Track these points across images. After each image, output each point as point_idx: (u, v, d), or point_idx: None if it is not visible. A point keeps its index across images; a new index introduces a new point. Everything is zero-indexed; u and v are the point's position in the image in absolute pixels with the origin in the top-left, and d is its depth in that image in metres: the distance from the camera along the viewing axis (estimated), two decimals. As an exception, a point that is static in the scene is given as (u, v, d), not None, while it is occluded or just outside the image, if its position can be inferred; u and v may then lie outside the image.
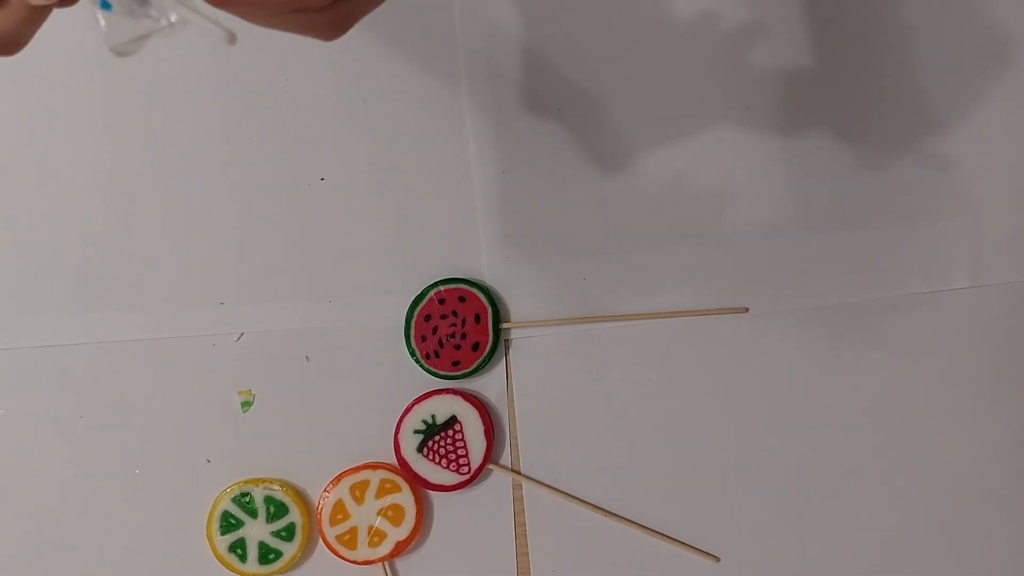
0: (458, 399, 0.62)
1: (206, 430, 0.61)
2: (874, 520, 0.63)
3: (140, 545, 0.61)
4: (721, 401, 0.63)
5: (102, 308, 0.61)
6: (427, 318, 0.61)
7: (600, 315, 0.63)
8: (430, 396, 0.62)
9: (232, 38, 0.26)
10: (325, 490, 0.61)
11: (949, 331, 0.64)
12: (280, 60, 0.61)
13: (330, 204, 0.62)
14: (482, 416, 0.62)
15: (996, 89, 0.64)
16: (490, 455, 0.62)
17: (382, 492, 0.61)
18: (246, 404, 0.62)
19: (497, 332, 0.62)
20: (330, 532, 0.61)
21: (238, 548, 0.61)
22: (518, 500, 0.63)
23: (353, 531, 0.61)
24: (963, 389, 0.64)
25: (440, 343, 0.61)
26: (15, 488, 0.61)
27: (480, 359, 0.61)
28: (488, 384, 0.62)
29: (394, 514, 0.61)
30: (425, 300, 0.61)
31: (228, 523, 0.61)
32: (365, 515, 0.61)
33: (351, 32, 0.36)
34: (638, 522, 0.62)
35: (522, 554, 0.62)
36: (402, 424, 0.61)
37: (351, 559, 0.61)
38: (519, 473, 0.62)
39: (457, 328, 0.61)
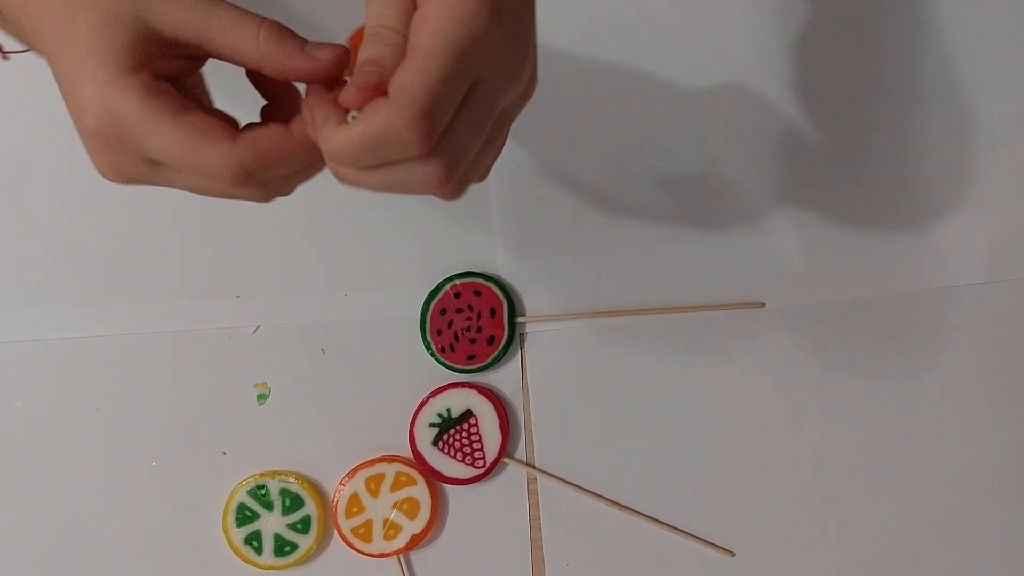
0: (473, 393, 0.62)
1: (222, 423, 0.62)
2: (889, 515, 0.63)
3: (156, 537, 0.62)
4: (736, 396, 0.63)
5: (119, 301, 0.61)
6: (443, 312, 0.61)
7: (615, 309, 0.62)
8: (445, 389, 0.62)
9: None
10: (340, 483, 0.61)
11: (966, 326, 0.64)
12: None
13: (346, 198, 0.61)
14: (497, 410, 0.62)
15: (1013, 84, 0.63)
16: (505, 449, 0.62)
17: (397, 485, 0.61)
18: (262, 397, 0.62)
19: (512, 326, 0.62)
20: (345, 525, 0.61)
21: (254, 540, 0.61)
22: (533, 494, 0.63)
23: (368, 524, 0.61)
24: (979, 384, 0.64)
25: (455, 337, 0.61)
26: (32, 479, 0.61)
27: (495, 353, 0.61)
28: (503, 378, 0.62)
29: (409, 507, 0.61)
30: (441, 294, 0.61)
31: (244, 515, 0.61)
32: (380, 508, 0.61)
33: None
34: (653, 516, 0.63)
35: (536, 548, 0.63)
36: (417, 417, 0.62)
37: (366, 552, 0.61)
38: (534, 467, 0.62)
39: (472, 322, 0.61)
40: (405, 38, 0.34)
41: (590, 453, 0.63)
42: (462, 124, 0.35)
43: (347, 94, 0.34)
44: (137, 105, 0.35)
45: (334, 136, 0.34)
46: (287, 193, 0.39)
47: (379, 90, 0.34)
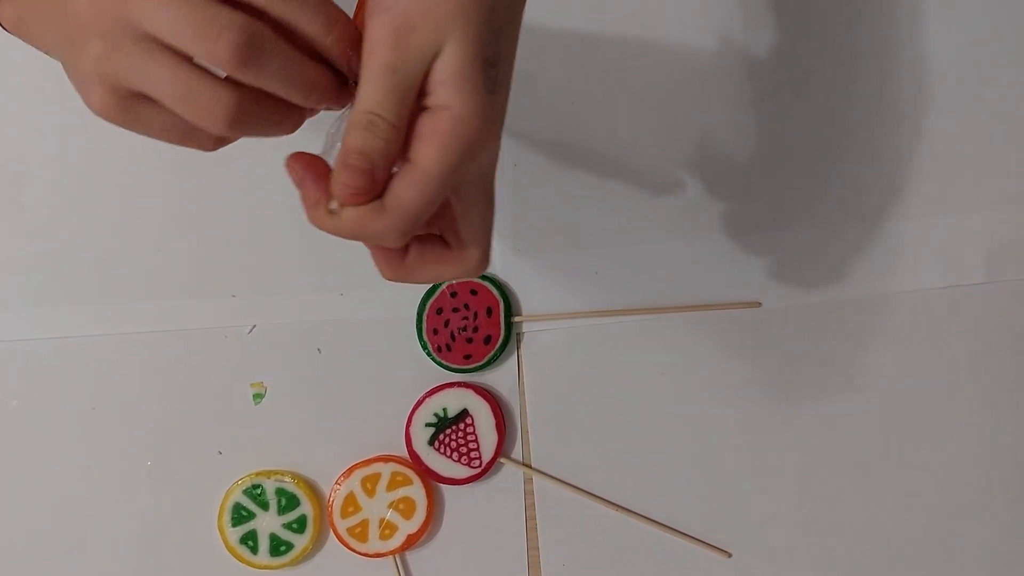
0: (470, 392, 0.62)
1: (218, 422, 0.62)
2: (886, 516, 0.63)
3: (152, 536, 0.62)
4: (733, 396, 0.63)
5: (115, 300, 0.61)
6: (439, 311, 0.61)
7: (612, 309, 0.62)
8: (442, 389, 0.62)
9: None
10: (336, 483, 0.61)
11: (964, 326, 0.63)
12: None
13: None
14: (493, 410, 0.61)
15: (1013, 84, 0.63)
16: (501, 449, 0.62)
17: (393, 485, 0.61)
18: (258, 396, 0.62)
19: (509, 325, 0.61)
20: (341, 525, 0.61)
21: (249, 540, 0.61)
22: (529, 494, 0.62)
23: (364, 524, 0.61)
24: (978, 384, 0.63)
25: (452, 336, 0.61)
26: (28, 479, 0.61)
27: (492, 352, 0.61)
28: (500, 378, 0.62)
29: (405, 507, 0.61)
30: (437, 293, 0.61)
31: (239, 515, 0.61)
32: (376, 508, 0.61)
33: None
34: (649, 517, 0.62)
35: (533, 548, 0.62)
36: (413, 417, 0.61)
37: (362, 552, 0.61)
38: (530, 467, 0.62)
39: (469, 321, 0.61)
40: (400, 132, 0.34)
41: (587, 453, 0.62)
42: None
43: (337, 188, 0.34)
44: None
45: (324, 222, 0.35)
46: (253, 127, 0.37)
47: (368, 192, 0.34)
